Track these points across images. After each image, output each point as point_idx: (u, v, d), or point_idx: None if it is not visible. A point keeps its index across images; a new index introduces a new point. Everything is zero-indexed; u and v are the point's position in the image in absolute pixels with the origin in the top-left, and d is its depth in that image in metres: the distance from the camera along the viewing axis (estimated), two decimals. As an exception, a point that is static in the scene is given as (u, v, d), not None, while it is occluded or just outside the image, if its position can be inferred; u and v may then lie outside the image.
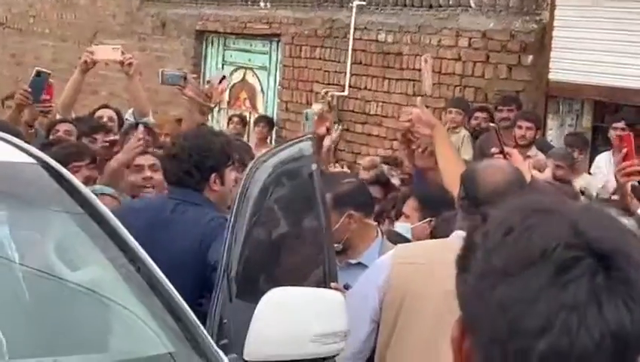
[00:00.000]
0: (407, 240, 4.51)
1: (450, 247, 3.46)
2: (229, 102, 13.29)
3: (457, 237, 3.39)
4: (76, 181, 3.03)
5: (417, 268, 3.38)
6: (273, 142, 11.91)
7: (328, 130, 6.27)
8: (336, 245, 3.99)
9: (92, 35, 15.39)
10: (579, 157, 8.71)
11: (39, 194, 3.04)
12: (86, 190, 3.00)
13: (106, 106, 8.13)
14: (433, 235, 4.60)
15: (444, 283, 3.22)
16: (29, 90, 6.57)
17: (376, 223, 4.44)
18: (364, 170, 7.48)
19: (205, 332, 2.91)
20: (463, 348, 1.23)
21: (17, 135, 3.60)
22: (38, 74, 6.71)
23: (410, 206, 5.16)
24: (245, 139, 10.61)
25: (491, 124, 6.64)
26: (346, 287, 3.82)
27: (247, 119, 12.39)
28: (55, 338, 2.78)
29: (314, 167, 3.74)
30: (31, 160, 3.00)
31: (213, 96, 6.08)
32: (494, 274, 1.18)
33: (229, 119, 12.19)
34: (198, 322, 2.90)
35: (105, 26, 15.34)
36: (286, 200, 3.76)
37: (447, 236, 3.73)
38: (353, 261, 4.21)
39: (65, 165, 4.31)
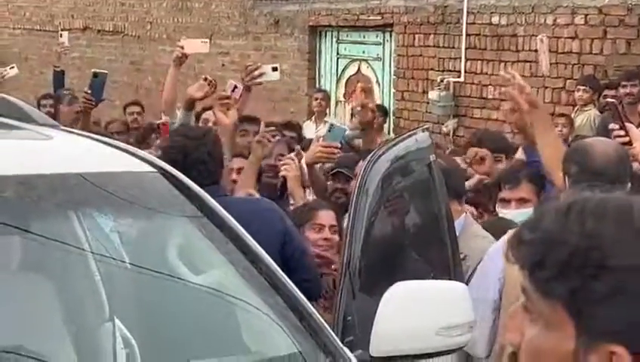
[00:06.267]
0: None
1: None
2: (344, 95, 13.31)
3: None
4: (195, 187, 3.07)
5: None
6: (391, 132, 11.87)
7: None
8: None
9: (208, 37, 15.59)
10: None
11: (161, 201, 3.09)
12: (205, 195, 3.04)
13: (209, 108, 8.20)
14: None
15: None
16: (89, 92, 6.87)
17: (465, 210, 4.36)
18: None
19: (330, 329, 2.92)
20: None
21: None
22: (96, 75, 7.01)
23: (529, 189, 4.96)
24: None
25: (610, 100, 6.47)
26: None
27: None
28: (186, 342, 2.82)
29: (432, 157, 3.71)
30: (151, 168, 3.05)
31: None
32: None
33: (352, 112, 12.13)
34: (322, 319, 2.91)
35: (220, 27, 15.51)
36: (405, 192, 3.73)
37: None
38: None
39: None
